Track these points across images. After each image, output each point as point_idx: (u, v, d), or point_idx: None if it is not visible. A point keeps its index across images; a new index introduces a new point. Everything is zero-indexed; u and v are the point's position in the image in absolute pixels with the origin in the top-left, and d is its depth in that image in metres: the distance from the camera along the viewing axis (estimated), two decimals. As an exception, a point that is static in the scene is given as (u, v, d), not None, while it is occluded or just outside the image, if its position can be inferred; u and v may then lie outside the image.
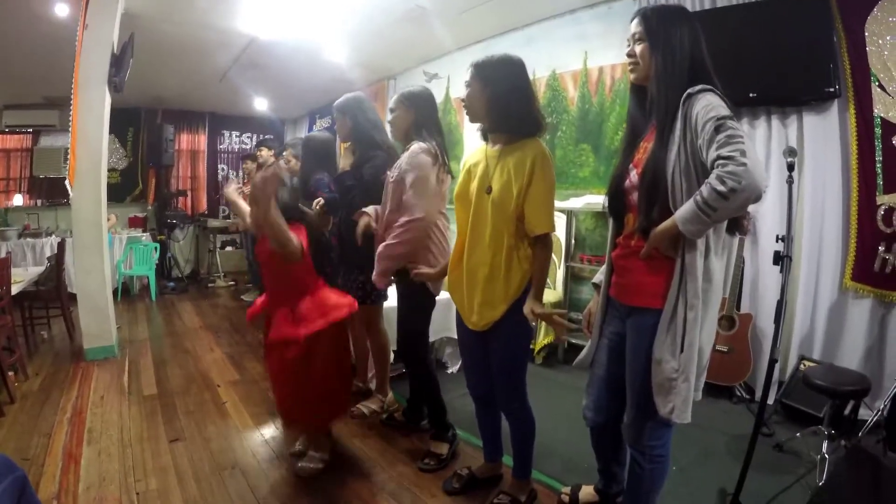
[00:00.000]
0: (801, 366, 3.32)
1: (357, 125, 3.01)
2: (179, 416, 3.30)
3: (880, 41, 3.22)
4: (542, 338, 4.31)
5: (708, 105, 1.49)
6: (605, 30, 4.51)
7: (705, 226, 1.48)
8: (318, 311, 2.43)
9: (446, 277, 2.30)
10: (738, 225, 1.66)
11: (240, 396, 3.64)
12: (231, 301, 7.08)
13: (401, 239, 2.48)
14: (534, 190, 1.95)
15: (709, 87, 1.55)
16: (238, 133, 9.85)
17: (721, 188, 1.38)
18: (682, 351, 1.58)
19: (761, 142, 3.65)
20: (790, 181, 2.25)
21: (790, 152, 2.31)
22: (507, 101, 2.01)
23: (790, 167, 2.28)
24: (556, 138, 4.94)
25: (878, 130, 3.21)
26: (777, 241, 2.55)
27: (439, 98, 6.09)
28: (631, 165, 1.75)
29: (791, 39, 3.39)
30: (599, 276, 2.03)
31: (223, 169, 9.74)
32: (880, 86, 3.21)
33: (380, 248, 2.55)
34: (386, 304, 3.26)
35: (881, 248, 3.22)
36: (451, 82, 6.17)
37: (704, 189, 1.43)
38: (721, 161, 1.40)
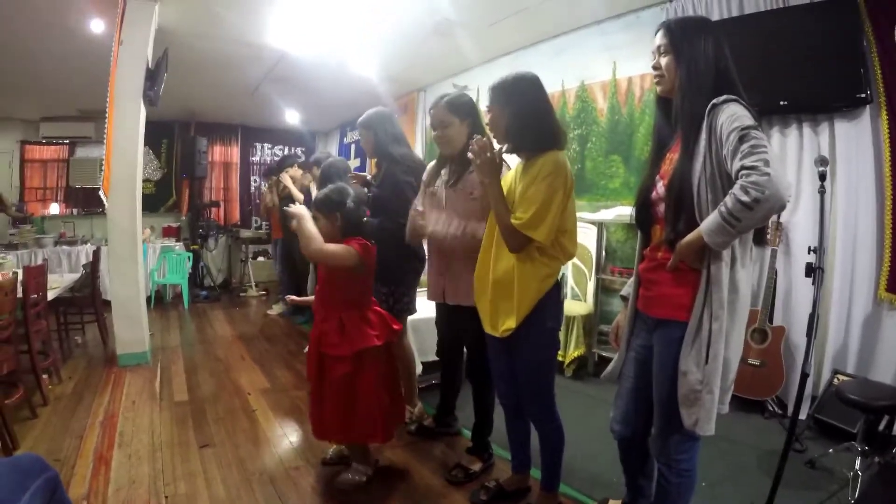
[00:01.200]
0: (835, 380, 3.24)
1: (379, 141, 3.04)
2: (209, 422, 3.36)
3: None
4: (573, 350, 4.29)
5: (732, 115, 1.49)
6: (632, 39, 4.49)
7: (730, 237, 1.47)
8: (367, 328, 2.43)
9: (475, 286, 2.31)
10: (764, 236, 1.65)
11: (270, 404, 3.68)
12: (262, 310, 7.16)
13: None
14: (531, 189, 1.99)
15: (733, 97, 1.55)
16: (270, 146, 10.03)
17: (745, 198, 1.37)
18: (706, 362, 1.57)
19: (793, 150, 3.59)
20: (822, 191, 2.21)
21: (822, 161, 2.27)
22: (526, 119, 2.06)
23: (822, 176, 2.25)
24: (585, 150, 4.92)
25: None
26: (809, 253, 2.50)
27: None
28: (657, 177, 1.75)
29: (820, 45, 3.34)
30: (628, 288, 2.02)
31: (255, 181, 9.91)
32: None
33: None
34: (418, 317, 3.29)
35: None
36: (481, 94, 6.15)
37: (728, 200, 1.42)
38: (745, 171, 1.40)
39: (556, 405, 2.25)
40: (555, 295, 2.11)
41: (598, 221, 4.49)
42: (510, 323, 2.07)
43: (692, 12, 3.98)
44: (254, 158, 9.92)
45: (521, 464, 2.51)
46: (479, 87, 6.11)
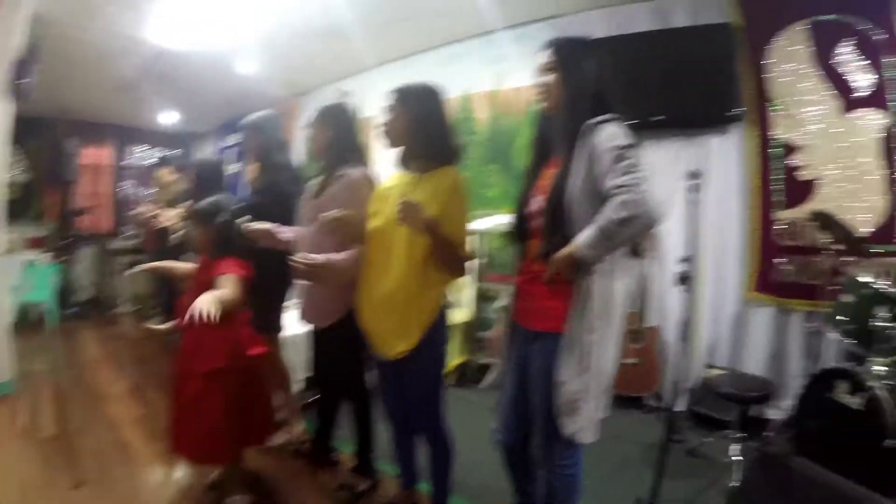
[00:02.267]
0: (707, 373, 3.48)
1: (266, 145, 2.92)
2: (83, 457, 3.05)
3: (781, 67, 3.49)
4: (455, 358, 4.30)
5: (610, 135, 1.58)
6: (517, 52, 4.59)
7: (604, 252, 1.55)
8: (224, 348, 2.34)
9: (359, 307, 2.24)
10: (638, 249, 1.73)
11: (147, 433, 3.41)
12: (136, 328, 6.69)
13: None
14: (454, 213, 1.99)
15: (612, 117, 1.63)
16: (146, 147, 9.30)
17: (619, 215, 1.45)
18: (585, 372, 1.63)
19: (666, 164, 3.84)
20: (694, 202, 2.36)
21: (693, 174, 2.42)
22: (428, 127, 2.05)
23: (693, 189, 2.39)
24: (465, 159, 4.94)
25: (778, 151, 3.47)
26: (680, 263, 2.65)
27: None
28: (535, 192, 1.80)
29: (696, 65, 3.61)
30: (507, 299, 2.06)
31: (129, 185, 9.15)
32: (779, 109, 3.46)
33: None
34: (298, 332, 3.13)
35: (781, 261, 3.45)
36: (363, 102, 6.02)
37: (603, 216, 1.49)
38: (619, 189, 1.48)
39: (446, 418, 2.25)
40: (445, 313, 2.12)
41: (476, 231, 4.49)
42: (404, 345, 2.04)
43: (577, 29, 4.13)
44: (128, 161, 9.18)
45: (410, 479, 2.48)
46: (361, 95, 6.02)
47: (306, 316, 2.56)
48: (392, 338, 2.08)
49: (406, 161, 2.16)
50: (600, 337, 1.63)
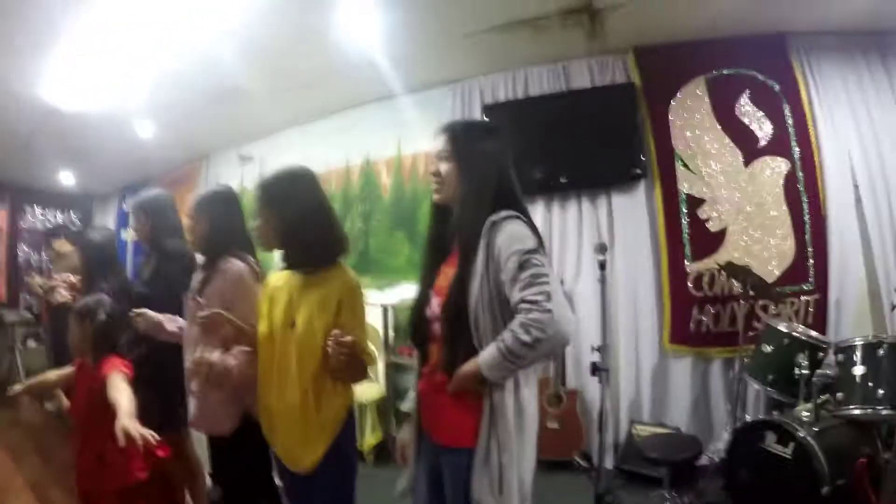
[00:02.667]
0: (633, 429, 3.50)
1: (155, 230, 2.71)
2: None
3: (683, 123, 3.62)
4: (370, 437, 4.09)
5: (513, 236, 1.45)
6: (418, 117, 4.53)
7: (510, 372, 1.43)
8: (132, 460, 2.12)
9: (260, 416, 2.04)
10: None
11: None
12: (36, 411, 6.05)
13: None
14: (345, 322, 1.79)
15: (515, 213, 1.50)
16: (43, 209, 8.72)
17: (525, 338, 1.33)
18: (500, 492, 1.48)
19: (572, 225, 3.90)
20: (602, 280, 2.31)
21: (601, 248, 2.37)
22: (303, 226, 1.83)
23: (602, 266, 2.34)
24: (369, 226, 4.91)
25: (683, 205, 3.55)
26: (592, 352, 2.56)
27: (251, 184, 5.75)
28: (432, 292, 1.65)
29: (599, 125, 3.69)
30: (410, 403, 1.89)
31: (25, 251, 8.55)
32: (684, 164, 3.56)
33: None
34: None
35: (695, 311, 3.51)
36: (265, 167, 5.72)
37: (508, 336, 1.37)
38: (525, 305, 1.35)
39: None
40: (353, 420, 1.98)
41: (383, 304, 4.39)
42: (309, 458, 1.84)
43: (478, 94, 4.20)
44: (24, 225, 8.56)
45: None
46: (264, 159, 5.85)
47: (197, 423, 2.31)
48: (297, 450, 1.89)
49: (287, 263, 1.97)
50: (516, 454, 1.50)
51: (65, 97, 4.72)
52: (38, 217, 8.75)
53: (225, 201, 2.34)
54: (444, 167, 1.60)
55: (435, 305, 1.62)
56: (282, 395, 1.87)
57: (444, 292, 1.57)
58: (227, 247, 2.24)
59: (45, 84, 4.49)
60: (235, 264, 2.18)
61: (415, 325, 1.72)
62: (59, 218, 8.64)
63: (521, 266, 1.39)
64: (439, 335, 1.60)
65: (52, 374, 2.64)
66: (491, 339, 1.44)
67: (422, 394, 1.74)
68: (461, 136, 1.61)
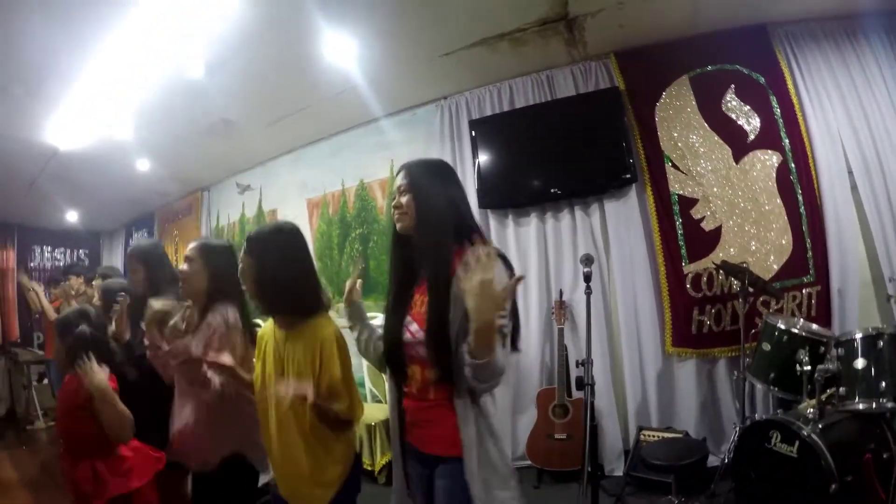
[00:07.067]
0: (641, 436, 3.46)
1: (152, 280, 2.70)
2: None
3: (670, 124, 3.58)
4: (380, 457, 4.02)
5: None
6: (408, 137, 4.57)
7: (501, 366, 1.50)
8: (123, 469, 2.19)
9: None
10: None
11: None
12: (54, 445, 6.10)
13: None
14: (331, 372, 1.83)
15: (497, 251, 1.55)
16: (51, 248, 8.85)
17: (471, 384, 1.48)
18: (500, 485, 1.60)
19: (567, 235, 3.86)
20: (588, 292, 2.29)
21: (587, 260, 2.36)
22: (282, 278, 1.88)
23: (587, 277, 2.33)
24: (368, 249, 4.92)
25: (675, 206, 3.53)
26: (577, 367, 2.54)
27: (251, 212, 5.92)
28: (409, 318, 1.72)
29: (587, 132, 3.68)
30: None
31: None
32: (674, 165, 3.54)
33: None
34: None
35: (695, 312, 3.48)
36: (264, 195, 5.94)
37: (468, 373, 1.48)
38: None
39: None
40: (357, 459, 1.99)
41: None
42: (327, 495, 1.87)
43: (465, 109, 4.20)
44: (33, 264, 8.67)
45: None
46: (262, 187, 5.96)
47: (176, 452, 2.26)
48: (312, 494, 1.90)
49: (261, 310, 2.02)
50: (504, 446, 1.65)
51: (64, 138, 4.85)
52: (45, 256, 8.84)
53: (221, 253, 2.37)
54: (404, 199, 1.72)
55: (414, 330, 1.69)
56: (287, 444, 1.89)
57: (424, 318, 1.65)
58: (219, 295, 2.26)
59: (45, 127, 4.62)
60: (226, 311, 2.21)
61: (391, 351, 1.78)
62: (68, 256, 8.71)
63: None
64: (421, 356, 1.68)
65: None
66: None
67: (409, 412, 1.79)
68: (416, 172, 1.75)
